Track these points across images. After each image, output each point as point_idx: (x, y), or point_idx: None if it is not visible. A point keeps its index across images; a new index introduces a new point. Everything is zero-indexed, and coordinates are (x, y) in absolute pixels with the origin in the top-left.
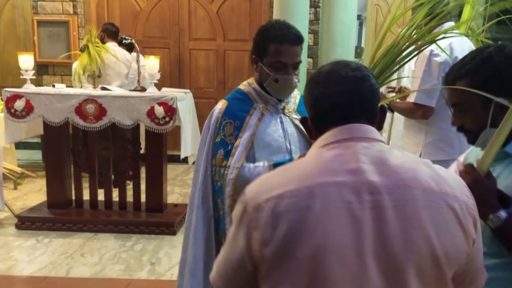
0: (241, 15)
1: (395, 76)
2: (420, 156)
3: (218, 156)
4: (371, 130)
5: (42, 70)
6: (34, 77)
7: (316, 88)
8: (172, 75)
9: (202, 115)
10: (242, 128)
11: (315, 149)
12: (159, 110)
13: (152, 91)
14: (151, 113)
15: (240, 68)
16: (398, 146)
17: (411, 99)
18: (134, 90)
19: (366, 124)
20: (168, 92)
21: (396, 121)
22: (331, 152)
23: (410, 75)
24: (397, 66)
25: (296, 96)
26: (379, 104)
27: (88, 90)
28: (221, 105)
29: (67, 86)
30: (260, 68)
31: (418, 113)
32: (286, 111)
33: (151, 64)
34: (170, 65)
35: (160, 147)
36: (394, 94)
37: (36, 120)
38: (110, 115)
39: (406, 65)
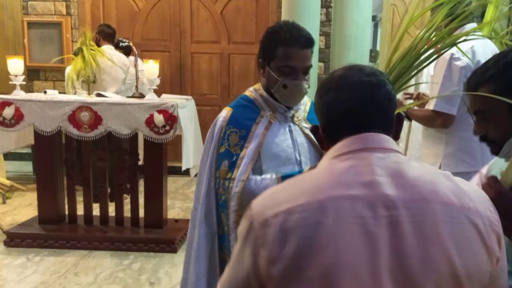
0: (247, 16)
1: (412, 81)
2: (439, 167)
3: (222, 168)
4: (387, 140)
5: (33, 75)
6: (24, 82)
7: (327, 95)
8: (172, 81)
9: (205, 123)
10: (248, 137)
11: (326, 160)
12: (159, 118)
13: (151, 98)
14: (150, 122)
15: (245, 73)
16: (416, 157)
17: (430, 106)
18: (132, 96)
19: (382, 133)
20: (168, 99)
21: (414, 130)
22: (344, 163)
23: (429, 81)
24: (415, 71)
25: (306, 103)
26: (396, 112)
27: (82, 96)
28: (225, 112)
29: (59, 93)
30: (267, 73)
31: (437, 121)
32: (295, 119)
33: (150, 68)
34: (171, 69)
35: (160, 158)
36: (411, 101)
37: (27, 129)
38: (106, 124)
39: (425, 70)
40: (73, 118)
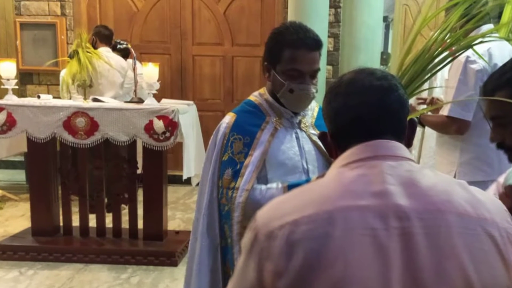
0: (251, 16)
1: (426, 86)
2: (454, 176)
3: (225, 177)
4: (399, 147)
5: (26, 79)
6: (16, 87)
7: (336, 100)
8: (173, 85)
9: (207, 130)
10: (253, 145)
11: (335, 168)
12: (159, 125)
13: (150, 103)
14: (149, 128)
15: (250, 77)
16: (429, 165)
17: (444, 112)
18: (130, 101)
19: (393, 140)
20: (168, 104)
21: (427, 137)
22: (354, 172)
23: (443, 85)
24: (429, 75)
25: (314, 108)
26: (408, 118)
27: (78, 102)
28: (228, 118)
29: (54, 97)
30: (273, 76)
31: (452, 127)
32: (302, 125)
33: (150, 72)
34: (171, 73)
35: (159, 166)
36: (425, 106)
37: (19, 136)
38: (103, 130)
39: (439, 74)
40: (68, 124)
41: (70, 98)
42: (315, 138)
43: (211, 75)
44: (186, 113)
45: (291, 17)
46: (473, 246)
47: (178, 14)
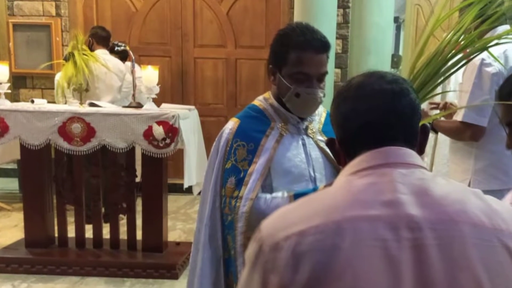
0: (255, 17)
1: (439, 90)
2: (469, 185)
3: (228, 185)
4: (411, 155)
5: (19, 82)
6: (9, 91)
7: (345, 105)
8: (173, 89)
9: (209, 136)
10: (257, 152)
11: (344, 176)
12: (159, 131)
13: (149, 107)
14: (148, 134)
15: (254, 81)
16: (442, 173)
17: (458, 117)
18: (129, 106)
19: (405, 147)
20: (169, 109)
21: (440, 144)
22: (363, 180)
23: (457, 89)
24: (442, 78)
25: (321, 113)
26: (420, 123)
27: (74, 106)
28: (232, 124)
29: (48, 102)
30: (278, 80)
31: (466, 133)
32: (309, 131)
33: (149, 75)
34: (171, 76)
35: (159, 174)
36: (438, 111)
37: (12, 143)
38: (100, 136)
39: (453, 77)
40: (63, 130)
41: (65, 103)
42: (323, 145)
43: (214, 79)
44: (187, 119)
45: (297, 17)
46: (489, 258)
47: (179, 14)
